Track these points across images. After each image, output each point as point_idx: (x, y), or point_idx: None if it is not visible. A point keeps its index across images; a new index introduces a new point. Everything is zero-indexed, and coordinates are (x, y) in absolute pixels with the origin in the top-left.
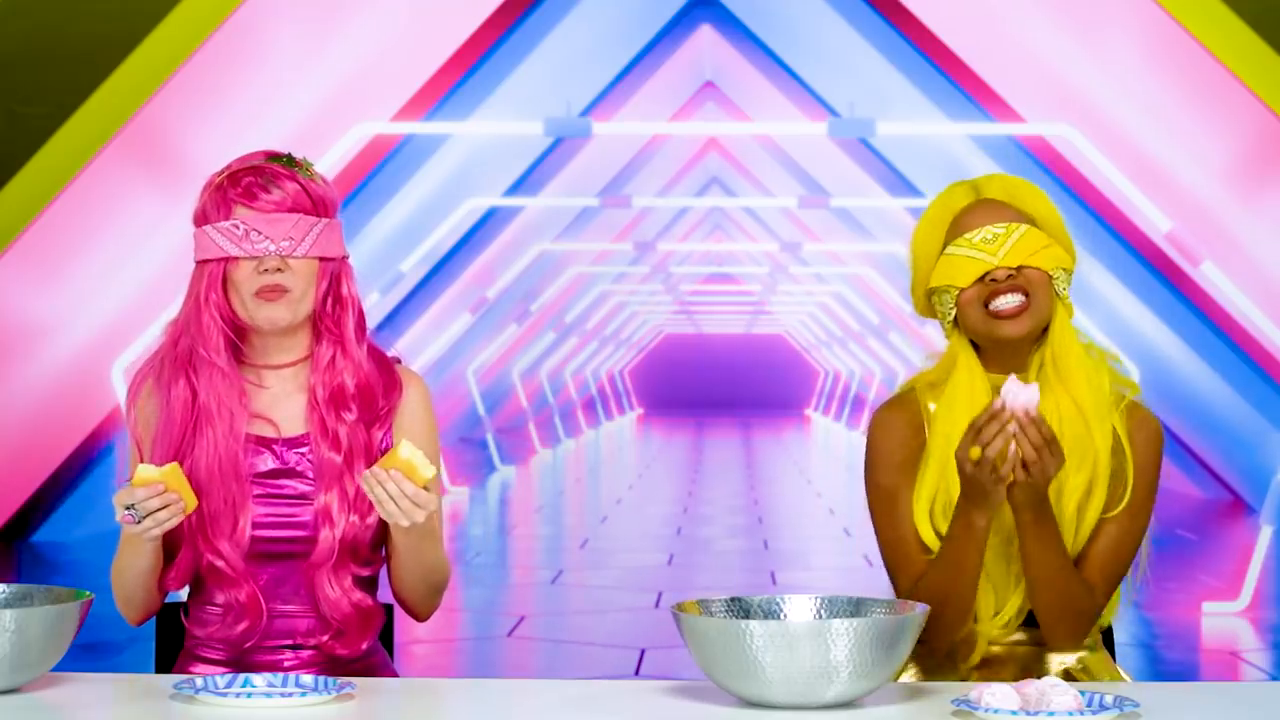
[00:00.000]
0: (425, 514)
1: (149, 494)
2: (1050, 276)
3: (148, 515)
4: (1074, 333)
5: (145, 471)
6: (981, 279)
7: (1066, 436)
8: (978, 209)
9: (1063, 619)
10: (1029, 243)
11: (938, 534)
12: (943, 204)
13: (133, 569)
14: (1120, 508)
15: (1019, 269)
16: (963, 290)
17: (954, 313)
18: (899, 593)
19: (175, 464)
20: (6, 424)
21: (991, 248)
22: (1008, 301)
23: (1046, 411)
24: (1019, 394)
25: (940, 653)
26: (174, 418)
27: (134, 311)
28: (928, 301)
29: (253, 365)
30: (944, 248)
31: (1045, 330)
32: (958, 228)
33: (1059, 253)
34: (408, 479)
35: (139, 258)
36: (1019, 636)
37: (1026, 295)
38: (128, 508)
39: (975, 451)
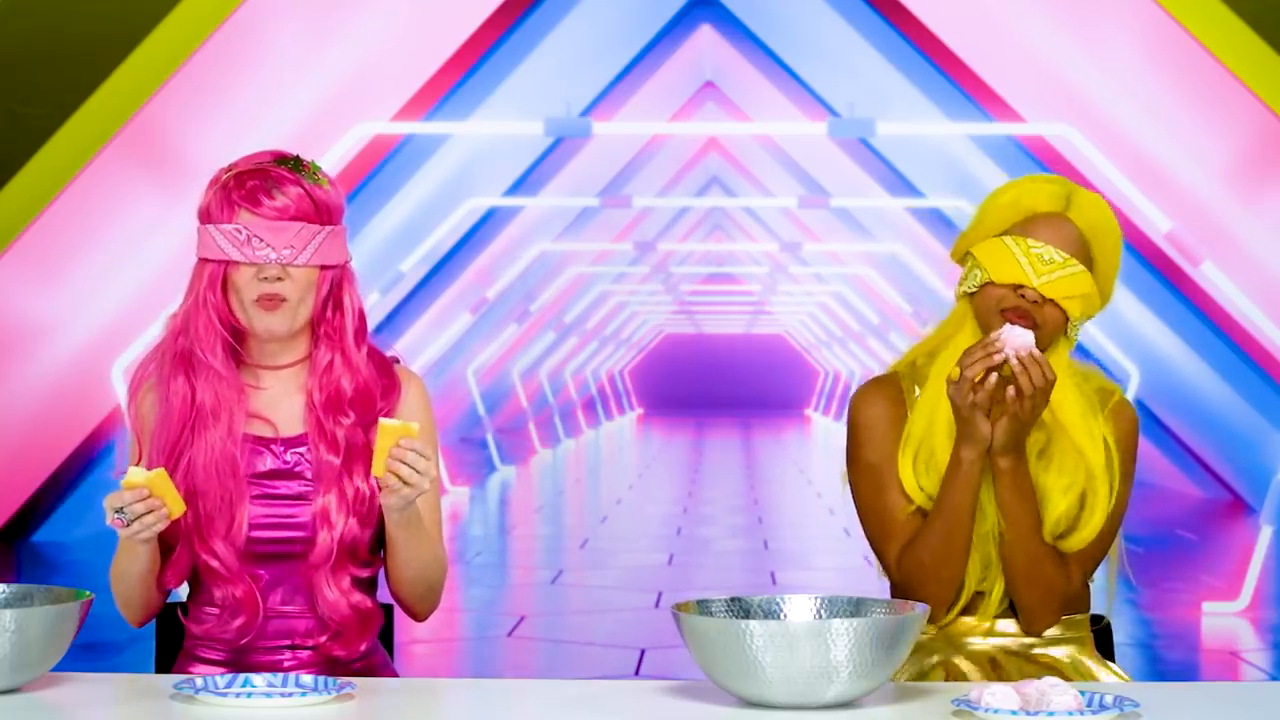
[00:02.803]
0: (428, 478)
1: (135, 498)
2: (1069, 320)
3: (135, 519)
4: (1069, 361)
5: (133, 475)
6: (1013, 286)
7: (1053, 443)
8: (1056, 222)
9: (1034, 586)
10: (1074, 285)
11: (926, 497)
12: (1033, 193)
13: (130, 572)
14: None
15: (1049, 301)
16: (992, 282)
17: (975, 287)
18: (888, 563)
19: (162, 469)
20: (6, 424)
21: (1041, 268)
22: (1021, 316)
23: (1036, 426)
24: (1015, 334)
25: (935, 620)
26: (172, 415)
27: (134, 311)
28: (965, 253)
29: (251, 365)
30: (1007, 230)
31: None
32: (1029, 226)
33: (1094, 303)
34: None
35: (139, 258)
36: (1000, 627)
37: (1037, 327)
38: (117, 511)
39: (954, 371)
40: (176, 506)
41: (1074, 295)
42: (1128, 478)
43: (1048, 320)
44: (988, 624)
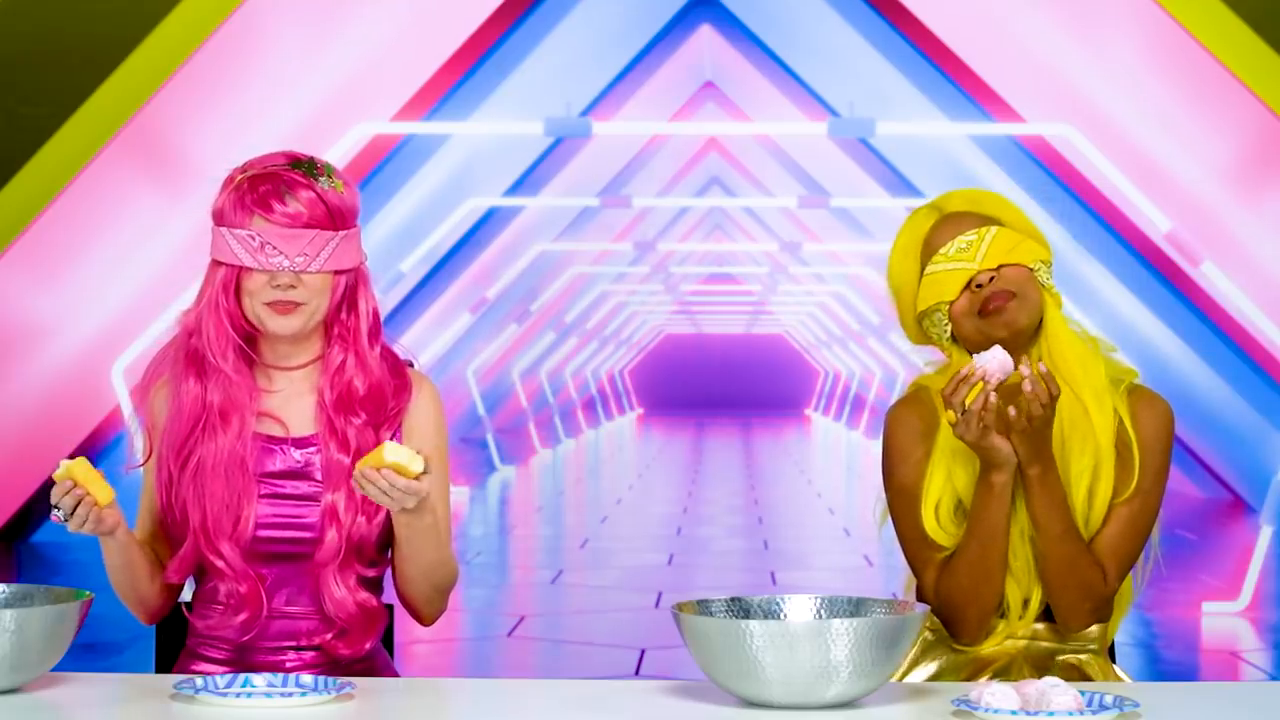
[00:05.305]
0: (417, 499)
1: (62, 491)
2: (1031, 270)
3: (71, 514)
4: (1065, 322)
5: (59, 470)
6: (967, 286)
7: (1065, 422)
8: (945, 225)
9: (1067, 588)
10: (1003, 242)
11: (945, 533)
12: (911, 231)
13: (112, 566)
14: (1130, 491)
15: (999, 268)
16: (952, 303)
17: (949, 329)
18: (925, 588)
19: (82, 458)
20: (6, 424)
21: (968, 255)
22: (998, 301)
23: None
24: (989, 357)
25: (976, 642)
26: (182, 414)
27: (134, 311)
28: (919, 328)
29: (263, 366)
30: (922, 271)
31: (1039, 327)
32: (930, 247)
33: (1034, 246)
34: (399, 476)
35: (139, 258)
36: (1035, 629)
37: (1014, 292)
38: (55, 508)
39: (950, 415)
40: (102, 494)
41: (1012, 247)
42: (1158, 470)
43: (1018, 281)
44: (1024, 630)
